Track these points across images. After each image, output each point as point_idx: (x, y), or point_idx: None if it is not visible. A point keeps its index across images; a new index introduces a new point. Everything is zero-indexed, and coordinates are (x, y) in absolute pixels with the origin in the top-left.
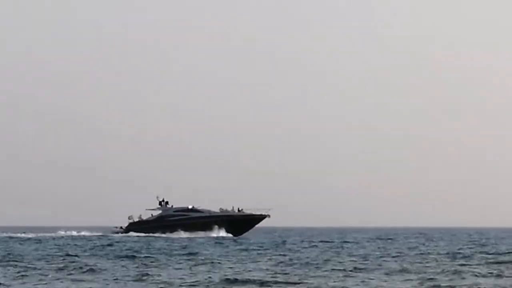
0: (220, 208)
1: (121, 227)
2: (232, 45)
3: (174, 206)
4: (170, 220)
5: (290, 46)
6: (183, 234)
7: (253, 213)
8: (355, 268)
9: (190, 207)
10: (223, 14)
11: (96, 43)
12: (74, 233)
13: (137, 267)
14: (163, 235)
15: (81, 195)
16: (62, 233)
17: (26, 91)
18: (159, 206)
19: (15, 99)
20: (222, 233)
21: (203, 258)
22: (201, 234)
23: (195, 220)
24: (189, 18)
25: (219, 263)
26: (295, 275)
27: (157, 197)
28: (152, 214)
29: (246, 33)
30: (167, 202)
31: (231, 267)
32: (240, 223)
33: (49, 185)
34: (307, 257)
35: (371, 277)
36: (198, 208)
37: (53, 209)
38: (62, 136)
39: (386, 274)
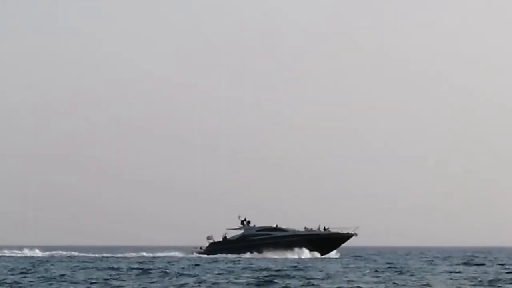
0: (305, 227)
1: (200, 247)
2: None
3: (256, 226)
4: (253, 239)
5: None
6: (267, 254)
7: (340, 231)
8: None
9: (274, 226)
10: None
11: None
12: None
13: None
14: (247, 255)
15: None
16: (144, 254)
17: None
18: (241, 226)
19: None
20: (308, 252)
21: None
22: (286, 253)
23: (279, 239)
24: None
25: None
26: None
27: (239, 216)
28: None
29: None
30: (249, 222)
31: None
32: (326, 242)
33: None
34: None
35: None
36: (282, 227)
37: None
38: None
39: None
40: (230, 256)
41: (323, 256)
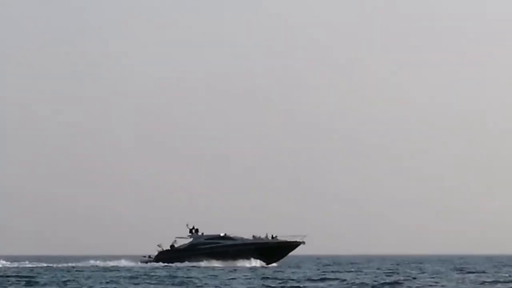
0: (253, 236)
1: (149, 256)
2: None
3: (205, 234)
4: (202, 248)
5: None
6: (215, 263)
7: (288, 240)
8: None
9: (222, 234)
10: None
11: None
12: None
13: None
14: (193, 264)
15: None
16: (92, 262)
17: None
18: (190, 234)
19: None
20: (256, 261)
21: None
22: (234, 262)
23: (227, 248)
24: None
25: None
26: None
27: (187, 225)
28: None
29: None
30: (197, 230)
31: None
32: (274, 251)
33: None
34: None
35: None
36: (231, 235)
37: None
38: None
39: None
40: (178, 265)
41: (269, 265)
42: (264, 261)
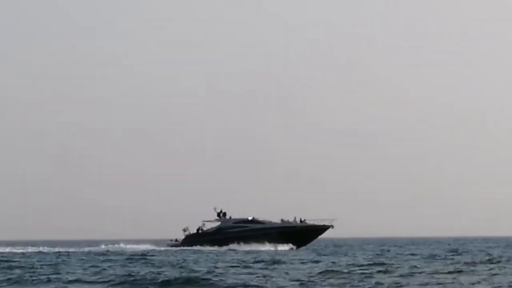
0: (282, 219)
1: (176, 240)
2: None
3: (233, 218)
4: (230, 232)
5: None
6: (243, 247)
7: (316, 223)
8: None
9: (250, 218)
10: None
11: None
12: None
13: None
14: (222, 248)
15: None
16: (122, 246)
17: None
18: (217, 218)
19: None
20: (284, 245)
21: None
22: (262, 246)
23: (256, 232)
24: None
25: None
26: None
27: (215, 208)
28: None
29: None
30: (224, 214)
31: None
32: (302, 234)
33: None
34: None
35: None
36: (259, 219)
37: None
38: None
39: None
40: (208, 248)
41: (298, 248)
42: (292, 245)
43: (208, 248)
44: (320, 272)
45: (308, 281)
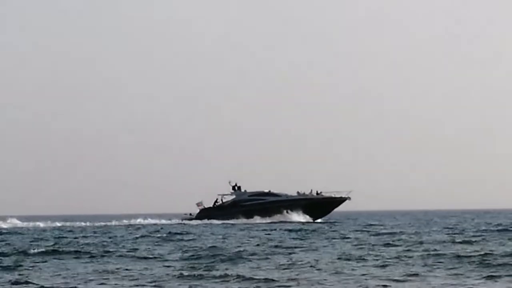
0: (298, 192)
1: (190, 214)
2: None
3: (248, 191)
4: (246, 205)
5: None
6: (258, 220)
7: (333, 195)
8: None
9: (266, 191)
10: None
11: None
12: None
13: None
14: (239, 221)
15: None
16: (142, 221)
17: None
18: (232, 191)
19: None
20: (301, 217)
21: None
22: (278, 218)
23: (272, 204)
24: None
25: None
26: None
27: (229, 182)
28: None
29: None
30: (239, 187)
31: None
32: (319, 206)
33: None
34: None
35: None
36: (275, 192)
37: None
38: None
39: None
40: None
41: (315, 221)
42: (309, 217)
43: (229, 221)
44: None
45: None
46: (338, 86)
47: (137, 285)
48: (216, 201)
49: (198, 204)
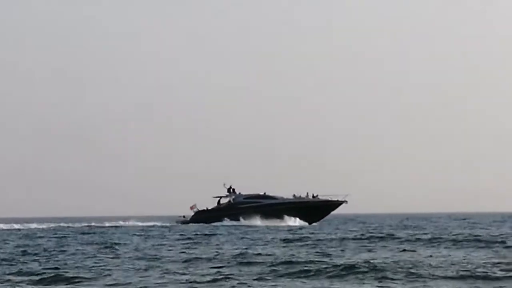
0: (294, 195)
1: (183, 216)
2: None
3: (243, 193)
4: (241, 207)
5: None
6: (254, 222)
7: (329, 199)
8: None
9: (262, 193)
10: None
11: None
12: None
13: None
14: (235, 222)
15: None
16: (135, 223)
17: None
18: (228, 194)
19: None
20: (297, 220)
21: None
22: (274, 221)
23: (268, 207)
24: None
25: None
26: None
27: (224, 184)
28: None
29: None
30: (234, 190)
31: None
32: (315, 210)
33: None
34: None
35: None
36: (270, 194)
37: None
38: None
39: None
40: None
41: (311, 224)
42: (304, 221)
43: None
44: None
45: None
46: (338, 86)
47: None
48: (219, 203)
49: (191, 208)
